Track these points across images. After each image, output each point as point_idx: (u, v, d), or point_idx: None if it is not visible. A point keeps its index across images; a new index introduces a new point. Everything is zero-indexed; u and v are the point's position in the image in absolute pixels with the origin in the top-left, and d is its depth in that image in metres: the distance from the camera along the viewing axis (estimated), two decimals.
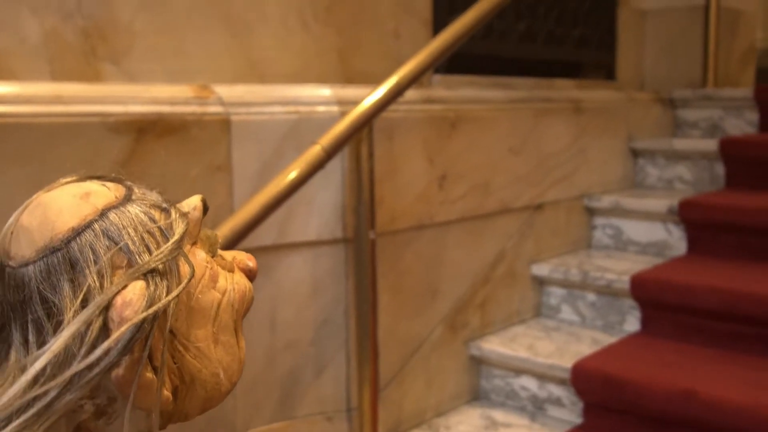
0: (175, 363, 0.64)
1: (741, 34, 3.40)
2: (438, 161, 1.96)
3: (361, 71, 1.99)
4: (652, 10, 3.31)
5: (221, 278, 0.69)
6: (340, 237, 1.73)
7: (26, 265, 0.61)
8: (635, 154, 2.76)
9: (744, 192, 2.42)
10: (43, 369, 0.58)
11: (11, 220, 0.65)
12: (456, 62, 2.28)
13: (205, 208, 0.71)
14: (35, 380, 0.58)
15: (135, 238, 0.63)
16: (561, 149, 2.39)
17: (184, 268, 0.64)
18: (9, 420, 0.58)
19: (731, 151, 2.52)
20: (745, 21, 3.44)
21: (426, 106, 1.95)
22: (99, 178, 0.68)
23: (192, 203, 0.70)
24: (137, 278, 0.61)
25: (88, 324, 0.58)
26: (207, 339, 0.66)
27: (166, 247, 0.63)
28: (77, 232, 0.61)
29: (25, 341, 0.62)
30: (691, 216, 2.32)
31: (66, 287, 0.60)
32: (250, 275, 0.74)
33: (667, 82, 3.28)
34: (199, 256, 0.68)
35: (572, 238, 2.49)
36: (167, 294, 0.62)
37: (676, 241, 2.38)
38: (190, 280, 0.64)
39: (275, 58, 1.80)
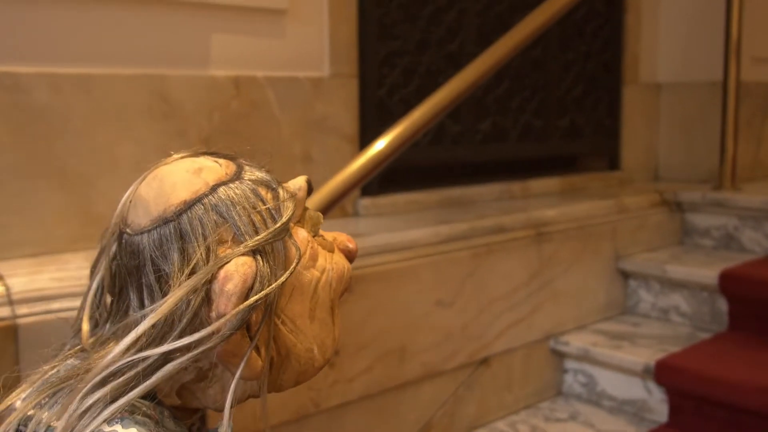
0: (272, 336, 0.66)
1: None
2: None
3: None
4: (667, 85, 2.84)
5: (321, 257, 0.71)
6: None
7: (141, 233, 0.65)
8: (625, 275, 2.31)
9: (749, 345, 1.96)
10: (145, 332, 0.62)
11: (131, 189, 0.69)
12: (395, 176, 1.93)
13: (310, 189, 0.74)
14: (137, 341, 0.62)
15: (243, 216, 0.65)
16: (514, 289, 1.98)
17: (291, 250, 0.67)
18: (114, 376, 0.61)
19: (733, 289, 2.06)
20: None
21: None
22: (212, 154, 0.72)
23: (298, 183, 0.72)
24: (243, 255, 0.63)
25: (192, 293, 0.62)
26: (303, 315, 0.69)
27: (274, 228, 0.66)
28: (189, 206, 0.65)
29: (141, 303, 0.67)
30: (670, 381, 1.87)
31: (176, 257, 0.64)
32: (350, 256, 0.76)
33: (684, 172, 2.82)
34: (302, 235, 0.70)
35: (534, 389, 2.08)
36: (271, 272, 0.64)
37: (657, 403, 1.94)
38: (297, 263, 0.66)
39: None
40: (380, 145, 1.57)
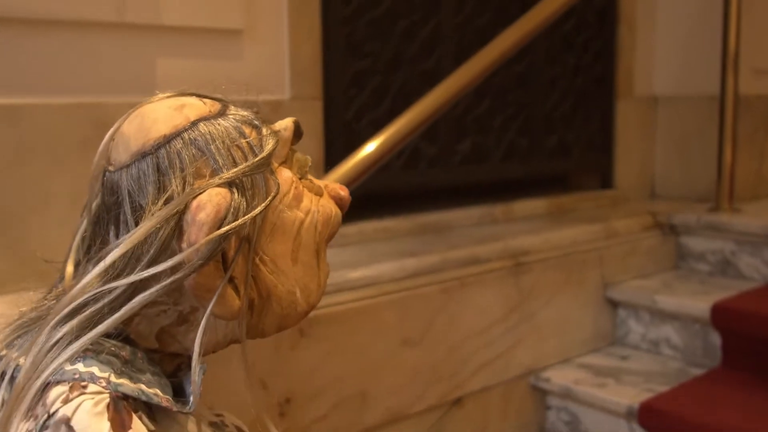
0: (252, 276, 0.65)
1: None
2: (277, 384, 1.49)
3: None
4: (664, 98, 2.71)
5: (306, 199, 0.70)
6: None
7: (121, 169, 0.65)
8: (614, 304, 2.18)
9: (742, 385, 1.82)
10: (113, 263, 0.61)
11: (114, 127, 0.69)
12: (367, 203, 1.83)
13: (299, 132, 0.73)
14: (105, 272, 0.62)
15: (222, 150, 0.65)
16: (491, 324, 1.86)
17: (271, 185, 0.66)
18: (83, 307, 0.61)
19: (726, 323, 1.92)
20: None
21: None
22: (200, 96, 0.71)
23: (284, 123, 0.71)
24: (218, 186, 0.62)
25: (163, 223, 0.61)
26: (285, 256, 0.67)
27: (253, 161, 0.65)
28: (168, 140, 0.65)
29: (117, 238, 0.66)
30: (654, 426, 1.74)
31: (151, 190, 0.63)
32: (341, 203, 0.74)
33: (682, 189, 2.69)
34: (285, 174, 0.69)
35: (514, 428, 1.95)
36: (248, 206, 0.63)
37: None
38: (275, 196, 0.66)
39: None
40: (342, 169, 1.48)
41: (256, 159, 0.65)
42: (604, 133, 2.57)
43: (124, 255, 0.62)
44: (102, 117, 1.49)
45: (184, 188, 0.63)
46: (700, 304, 1.97)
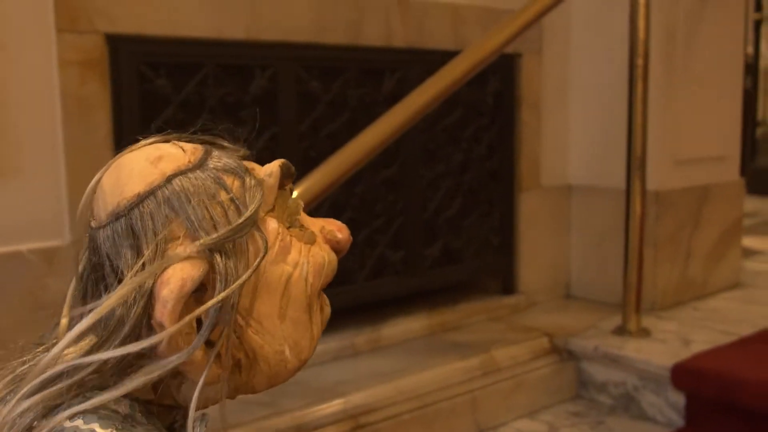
0: (237, 337, 0.62)
1: (716, 215, 2.42)
2: None
3: None
4: (581, 187, 2.40)
5: (294, 250, 0.65)
6: None
7: (100, 228, 0.62)
8: None
9: None
10: (82, 334, 0.59)
11: (96, 177, 0.66)
12: None
13: (289, 173, 0.68)
14: (75, 342, 0.60)
15: (198, 209, 0.60)
16: None
17: (258, 243, 0.62)
18: (56, 379, 0.59)
19: None
20: (726, 195, 2.45)
21: None
22: (190, 137, 0.67)
23: (269, 168, 0.66)
24: (194, 256, 0.59)
25: (136, 294, 0.59)
26: (272, 315, 0.64)
27: (236, 224, 0.60)
28: (141, 199, 0.61)
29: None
30: None
31: (128, 254, 0.61)
32: (337, 247, 0.70)
33: (600, 290, 2.38)
34: (270, 226, 0.65)
35: None
36: (235, 272, 0.60)
37: None
38: (260, 262, 0.61)
39: None
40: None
41: (240, 221, 0.60)
42: (504, 231, 2.26)
43: (94, 326, 0.59)
44: None
45: (156, 254, 0.59)
46: None
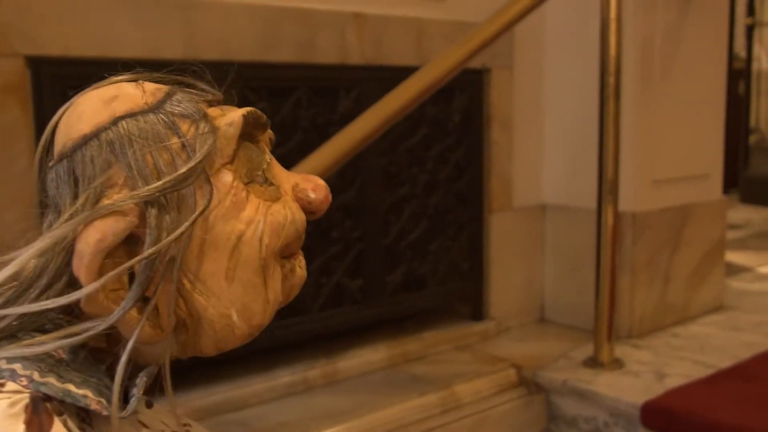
0: (182, 296, 0.58)
1: (697, 236, 2.31)
2: None
3: None
4: (555, 207, 2.30)
5: (250, 207, 0.60)
6: None
7: (50, 167, 0.60)
8: None
9: None
10: (3, 282, 0.57)
11: (56, 115, 0.62)
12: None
13: (259, 123, 0.62)
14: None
15: (139, 155, 0.56)
16: None
17: (201, 197, 0.57)
18: None
19: None
20: (708, 215, 2.34)
21: None
22: (165, 75, 0.63)
23: (231, 117, 0.60)
24: (122, 207, 0.54)
25: (53, 248, 0.55)
26: (217, 275, 0.59)
27: (170, 177, 0.56)
28: (85, 141, 0.57)
29: None
30: None
31: (67, 199, 0.57)
32: (309, 208, 0.64)
33: (575, 314, 2.27)
34: (223, 179, 0.59)
35: None
36: (166, 230, 0.55)
37: None
38: (196, 217, 0.56)
39: None
40: None
41: (179, 173, 0.56)
42: (474, 255, 2.15)
43: (14, 277, 0.56)
44: None
45: (87, 202, 0.55)
46: None
